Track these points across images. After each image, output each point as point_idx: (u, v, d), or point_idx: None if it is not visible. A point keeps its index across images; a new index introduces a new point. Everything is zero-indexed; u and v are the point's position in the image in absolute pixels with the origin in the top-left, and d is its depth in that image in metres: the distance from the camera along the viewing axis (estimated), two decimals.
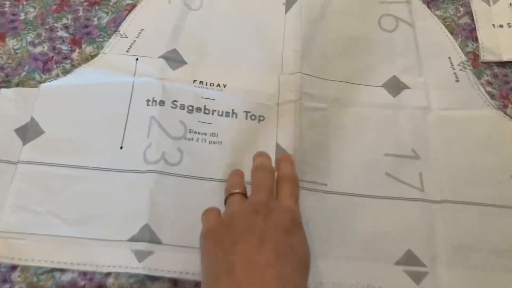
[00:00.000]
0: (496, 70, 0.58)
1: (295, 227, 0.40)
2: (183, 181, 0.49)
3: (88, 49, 0.56)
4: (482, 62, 0.58)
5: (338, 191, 0.50)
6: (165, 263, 0.45)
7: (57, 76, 0.54)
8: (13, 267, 0.45)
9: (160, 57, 0.55)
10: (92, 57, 0.55)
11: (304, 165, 0.50)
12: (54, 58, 0.55)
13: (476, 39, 0.60)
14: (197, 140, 0.51)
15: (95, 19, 0.58)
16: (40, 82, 0.53)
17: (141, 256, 0.45)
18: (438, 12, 0.61)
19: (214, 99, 0.53)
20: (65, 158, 0.49)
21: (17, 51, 0.55)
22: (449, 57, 0.58)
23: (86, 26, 0.57)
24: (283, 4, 0.60)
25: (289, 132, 0.52)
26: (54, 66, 0.54)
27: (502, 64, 0.58)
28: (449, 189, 0.50)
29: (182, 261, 0.45)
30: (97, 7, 0.59)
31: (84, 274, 0.45)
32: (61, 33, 0.57)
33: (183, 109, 0.52)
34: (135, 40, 0.56)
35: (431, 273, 0.46)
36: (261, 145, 0.51)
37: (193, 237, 0.45)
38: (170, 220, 0.47)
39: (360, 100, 0.55)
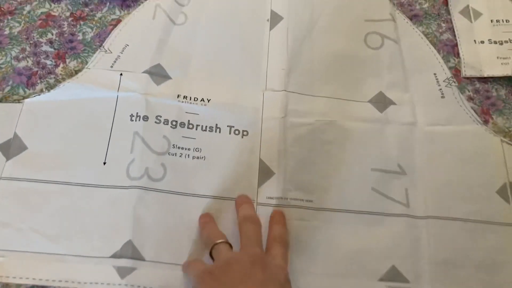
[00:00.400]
0: (477, 85, 0.58)
1: (288, 285, 0.40)
2: (166, 197, 0.49)
3: (72, 64, 0.56)
4: (464, 78, 0.59)
5: (324, 207, 0.50)
6: (147, 279, 0.45)
7: (41, 91, 0.53)
8: None
9: (144, 72, 0.55)
10: (77, 72, 0.55)
11: (289, 183, 0.50)
12: (39, 72, 0.55)
13: (457, 55, 0.60)
14: (180, 156, 0.51)
15: (80, 34, 0.58)
16: (24, 97, 0.53)
17: (123, 272, 0.45)
18: (420, 28, 0.62)
19: (198, 114, 0.53)
20: (48, 173, 0.49)
21: (1, 65, 0.55)
22: (435, 73, 0.58)
23: (71, 41, 0.57)
24: (267, 20, 0.60)
25: (273, 148, 0.52)
26: (38, 81, 0.54)
27: (484, 79, 0.59)
28: (434, 204, 0.50)
29: (164, 278, 0.45)
30: (82, 22, 0.59)
31: None
32: (46, 47, 0.57)
33: (167, 124, 0.52)
34: (119, 56, 0.56)
35: None
36: (244, 160, 0.51)
37: (176, 254, 0.46)
38: (153, 236, 0.47)
39: (347, 116, 0.55)
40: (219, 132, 0.53)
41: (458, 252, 0.48)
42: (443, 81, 0.57)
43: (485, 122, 0.56)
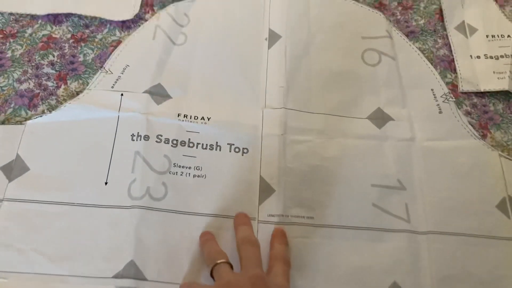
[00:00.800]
0: (475, 100, 0.59)
1: None
2: (167, 216, 0.49)
3: (73, 85, 0.56)
4: (461, 93, 0.59)
5: (325, 224, 0.50)
6: None
7: (43, 112, 0.54)
8: None
9: (145, 92, 0.56)
10: (78, 93, 0.56)
11: (289, 200, 0.50)
12: (40, 94, 0.55)
13: (454, 70, 0.61)
14: (181, 174, 0.51)
15: (81, 55, 0.59)
16: (26, 119, 0.53)
17: None
18: (417, 44, 0.63)
19: (198, 132, 0.54)
20: (50, 194, 0.49)
21: (3, 88, 0.56)
22: (432, 89, 0.59)
23: (72, 63, 0.58)
24: (266, 39, 0.61)
25: (274, 165, 0.52)
26: (40, 103, 0.55)
27: (481, 94, 0.59)
28: (434, 219, 0.50)
29: None
30: (82, 44, 0.60)
31: None
32: (47, 69, 0.57)
33: (168, 143, 0.53)
34: (120, 76, 0.57)
35: None
36: (245, 178, 0.52)
37: (178, 273, 0.46)
38: (155, 256, 0.47)
39: (346, 132, 0.55)
40: (220, 150, 0.53)
41: (459, 267, 0.48)
42: (440, 96, 0.58)
43: (483, 136, 0.56)
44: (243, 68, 0.59)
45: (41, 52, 0.59)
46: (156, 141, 0.53)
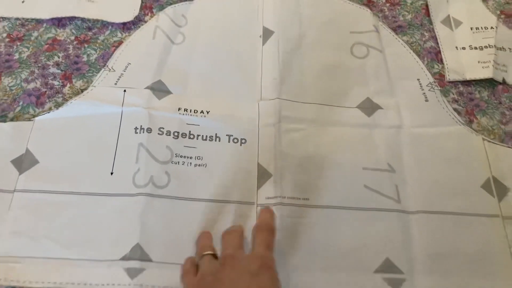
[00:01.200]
0: (461, 88, 0.62)
1: (264, 270, 0.42)
2: (171, 202, 0.52)
3: (78, 83, 0.59)
4: (448, 82, 0.62)
5: (320, 205, 0.52)
6: (155, 279, 0.47)
7: (50, 109, 0.57)
8: None
9: (147, 88, 0.59)
10: (83, 90, 0.59)
11: (285, 182, 0.53)
12: (47, 93, 0.58)
13: (441, 61, 0.64)
14: (183, 164, 0.54)
15: (85, 56, 0.62)
16: (34, 116, 0.56)
17: (133, 273, 0.47)
18: (405, 38, 0.66)
19: (198, 125, 0.57)
20: (59, 185, 0.52)
21: (12, 88, 0.59)
22: (418, 79, 0.62)
23: (76, 63, 0.61)
24: (260, 36, 0.64)
25: (270, 152, 0.55)
26: (47, 100, 0.58)
27: (467, 82, 0.62)
28: (423, 200, 0.53)
29: (171, 277, 0.47)
30: (86, 45, 0.63)
31: None
32: (53, 69, 0.60)
33: (169, 135, 0.56)
34: (122, 74, 0.60)
35: (408, 279, 0.49)
36: (243, 166, 0.54)
37: (181, 254, 0.48)
38: (159, 239, 0.50)
39: (337, 120, 0.58)
40: (219, 141, 0.56)
41: (448, 244, 0.51)
42: (426, 85, 0.61)
43: (470, 122, 0.59)
44: (239, 64, 0.62)
45: (47, 53, 0.62)
46: (158, 134, 0.55)
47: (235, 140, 0.56)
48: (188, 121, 0.57)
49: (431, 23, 0.68)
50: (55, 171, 0.53)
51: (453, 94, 0.61)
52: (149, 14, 0.67)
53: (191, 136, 0.56)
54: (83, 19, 0.65)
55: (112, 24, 0.65)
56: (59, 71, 0.60)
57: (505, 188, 0.54)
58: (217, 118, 0.58)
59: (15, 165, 0.53)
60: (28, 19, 0.65)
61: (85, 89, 0.59)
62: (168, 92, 0.59)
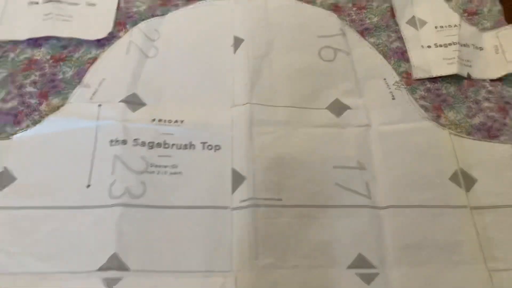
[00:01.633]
0: (428, 85, 0.64)
1: None
2: (147, 211, 0.53)
3: (54, 100, 0.61)
4: (415, 79, 0.64)
5: (292, 204, 0.54)
6: (133, 287, 0.48)
7: (27, 127, 0.58)
8: None
9: (121, 101, 0.60)
10: (59, 107, 0.60)
11: (258, 184, 0.54)
12: (24, 111, 0.60)
13: (407, 60, 0.66)
14: (158, 173, 0.55)
15: (60, 73, 0.63)
16: (12, 134, 0.57)
17: (110, 283, 0.48)
18: (372, 39, 0.68)
19: (173, 134, 0.58)
20: (36, 200, 0.53)
21: None
22: (384, 79, 0.64)
23: (53, 81, 0.63)
24: (231, 45, 0.66)
25: (243, 156, 0.56)
26: (24, 118, 0.59)
27: (434, 79, 0.64)
28: (393, 195, 0.55)
29: (149, 285, 0.48)
30: (61, 63, 0.64)
31: None
32: (30, 88, 0.62)
33: (144, 146, 0.57)
34: (97, 89, 0.61)
35: (381, 273, 0.50)
36: (218, 172, 0.56)
37: (158, 261, 0.49)
38: (136, 247, 0.51)
39: (307, 121, 0.60)
40: (194, 148, 0.57)
41: (418, 235, 0.52)
42: (392, 84, 0.63)
43: (438, 117, 0.61)
44: (212, 73, 0.64)
45: (24, 73, 0.63)
46: (133, 145, 0.57)
47: (209, 147, 0.58)
48: (163, 130, 0.58)
49: (397, 24, 0.70)
50: (33, 186, 0.54)
51: (421, 91, 0.63)
52: (123, 30, 0.68)
53: (166, 145, 0.57)
54: (58, 38, 0.67)
55: (87, 41, 0.67)
56: (36, 89, 0.62)
57: (472, 179, 0.56)
58: (191, 126, 0.59)
59: None
60: (5, 41, 0.66)
61: (62, 105, 0.60)
62: (142, 104, 0.60)
